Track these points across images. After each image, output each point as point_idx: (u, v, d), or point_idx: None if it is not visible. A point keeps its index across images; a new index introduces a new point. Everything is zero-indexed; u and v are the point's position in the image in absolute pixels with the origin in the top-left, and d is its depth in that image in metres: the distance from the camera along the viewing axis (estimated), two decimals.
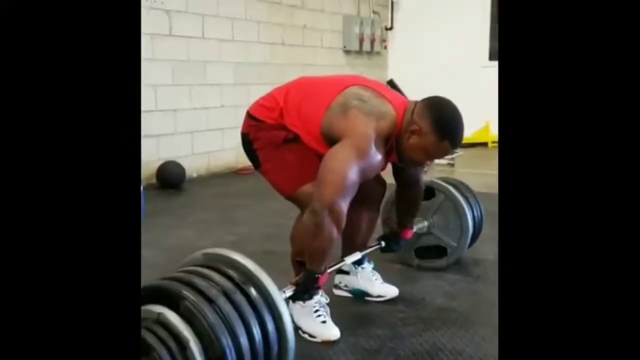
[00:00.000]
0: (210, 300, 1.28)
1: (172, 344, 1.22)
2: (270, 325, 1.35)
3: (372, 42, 6.65)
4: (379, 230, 2.32)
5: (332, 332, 1.82)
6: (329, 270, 1.82)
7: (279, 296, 1.40)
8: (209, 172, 4.90)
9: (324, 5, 6.06)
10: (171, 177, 4.29)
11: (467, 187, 2.60)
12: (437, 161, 1.91)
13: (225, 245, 1.59)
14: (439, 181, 2.46)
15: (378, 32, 6.75)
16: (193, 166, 4.71)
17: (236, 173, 4.90)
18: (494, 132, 6.31)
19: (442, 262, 2.46)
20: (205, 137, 4.84)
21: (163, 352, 1.20)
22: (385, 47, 7.03)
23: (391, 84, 6.54)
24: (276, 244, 2.72)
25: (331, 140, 1.72)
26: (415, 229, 2.33)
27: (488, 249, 2.66)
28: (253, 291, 1.36)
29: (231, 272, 1.38)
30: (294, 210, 1.93)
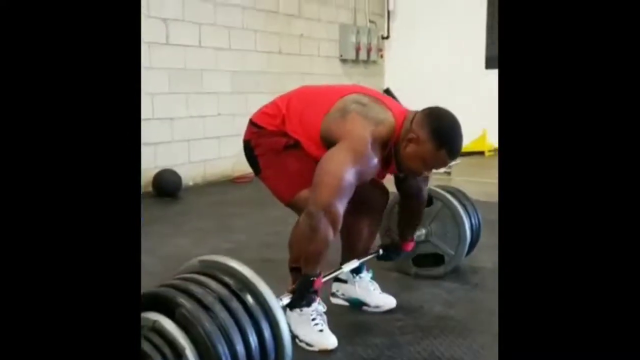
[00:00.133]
0: (206, 308, 1.27)
1: (167, 351, 1.20)
2: (267, 333, 1.34)
3: (369, 51, 6.68)
4: (378, 239, 2.31)
5: (329, 340, 1.81)
6: (326, 278, 1.81)
7: (276, 303, 1.39)
8: (206, 181, 4.89)
9: (320, 15, 6.08)
10: (167, 185, 4.28)
11: (464, 195, 2.59)
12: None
13: (222, 253, 1.57)
14: (437, 189, 2.45)
15: (374, 41, 6.79)
16: (189, 174, 4.70)
17: (233, 181, 4.89)
18: (490, 140, 6.32)
19: (439, 270, 2.44)
20: (202, 146, 4.83)
21: None
22: (382, 56, 7.07)
23: (387, 92, 6.56)
24: (274, 251, 2.69)
25: (330, 143, 1.73)
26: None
27: (486, 256, 2.65)
28: (250, 298, 1.35)
29: (227, 279, 1.37)
30: (293, 218, 1.92)
